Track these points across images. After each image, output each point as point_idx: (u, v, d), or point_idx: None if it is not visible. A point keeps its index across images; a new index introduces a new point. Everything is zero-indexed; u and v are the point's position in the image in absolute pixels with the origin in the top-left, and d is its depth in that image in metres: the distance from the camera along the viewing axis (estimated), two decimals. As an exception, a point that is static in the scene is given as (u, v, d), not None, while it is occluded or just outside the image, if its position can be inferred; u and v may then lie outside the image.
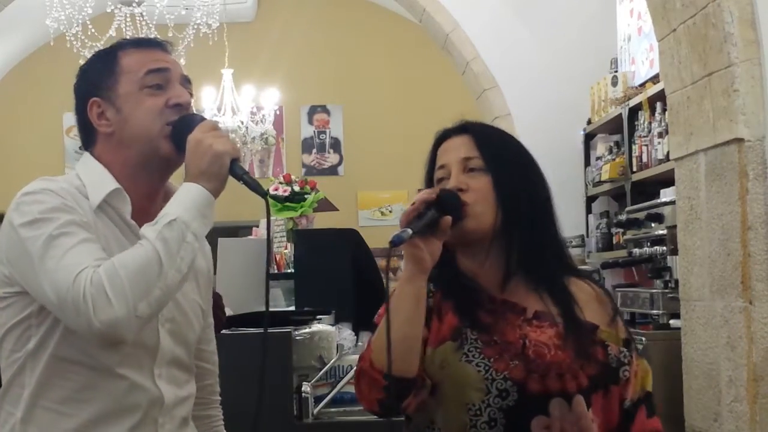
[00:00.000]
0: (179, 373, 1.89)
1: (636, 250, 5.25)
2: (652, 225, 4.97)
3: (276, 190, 6.29)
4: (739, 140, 3.38)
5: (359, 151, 10.82)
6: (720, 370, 3.54)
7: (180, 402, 1.88)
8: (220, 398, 2.12)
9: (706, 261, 3.65)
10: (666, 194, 4.81)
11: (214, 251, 2.74)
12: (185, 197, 1.75)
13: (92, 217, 1.80)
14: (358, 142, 10.83)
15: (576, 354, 1.80)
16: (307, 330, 3.53)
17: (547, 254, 1.89)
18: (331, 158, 11.03)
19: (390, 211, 10.71)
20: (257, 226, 6.88)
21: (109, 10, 8.17)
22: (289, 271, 5.48)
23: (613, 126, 6.21)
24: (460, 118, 2.02)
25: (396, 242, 1.75)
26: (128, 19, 8.22)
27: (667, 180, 4.49)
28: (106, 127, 1.87)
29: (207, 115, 8.16)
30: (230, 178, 1.81)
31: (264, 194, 1.81)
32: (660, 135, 5.20)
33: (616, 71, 6.25)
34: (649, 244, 5.09)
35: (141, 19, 8.37)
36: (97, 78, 1.90)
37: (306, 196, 6.41)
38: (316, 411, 3.30)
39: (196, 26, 8.32)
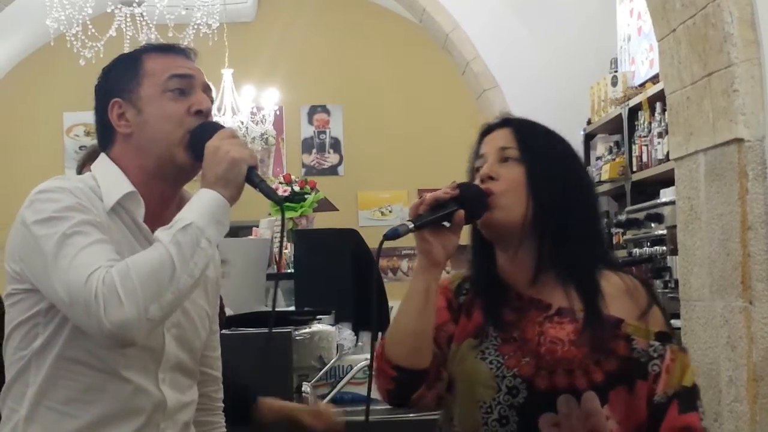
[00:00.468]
0: (183, 379, 1.89)
1: (636, 250, 5.25)
2: (652, 225, 4.98)
3: (276, 190, 6.29)
4: (738, 140, 3.38)
5: (359, 151, 10.82)
6: (720, 370, 3.54)
7: (182, 407, 1.89)
8: (222, 405, 2.11)
9: (705, 261, 3.65)
10: (666, 194, 4.81)
11: (214, 251, 2.73)
12: (201, 203, 1.75)
13: (106, 219, 1.79)
14: (358, 142, 10.83)
15: (592, 349, 1.77)
16: (307, 330, 3.53)
17: (579, 249, 1.85)
18: (331, 158, 11.04)
19: (390, 211, 10.71)
20: (257, 226, 6.88)
21: (109, 10, 8.17)
22: (289, 271, 5.48)
23: (612, 126, 6.21)
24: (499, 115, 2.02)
25: (390, 235, 1.75)
26: (128, 20, 8.22)
27: (667, 180, 4.49)
28: (125, 127, 1.87)
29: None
30: None
31: (280, 202, 1.83)
32: (660, 135, 5.20)
33: (616, 71, 6.25)
34: (649, 244, 5.10)
35: (141, 19, 8.37)
36: (119, 79, 1.91)
37: (306, 196, 6.42)
38: (316, 411, 3.29)
39: (196, 26, 8.33)
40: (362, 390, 3.52)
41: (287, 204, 6.31)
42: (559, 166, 1.89)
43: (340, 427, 2.87)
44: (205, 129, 1.83)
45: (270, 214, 6.69)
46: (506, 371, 1.79)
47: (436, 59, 8.94)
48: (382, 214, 10.73)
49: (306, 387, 3.28)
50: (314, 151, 11.02)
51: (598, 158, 6.41)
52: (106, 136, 1.91)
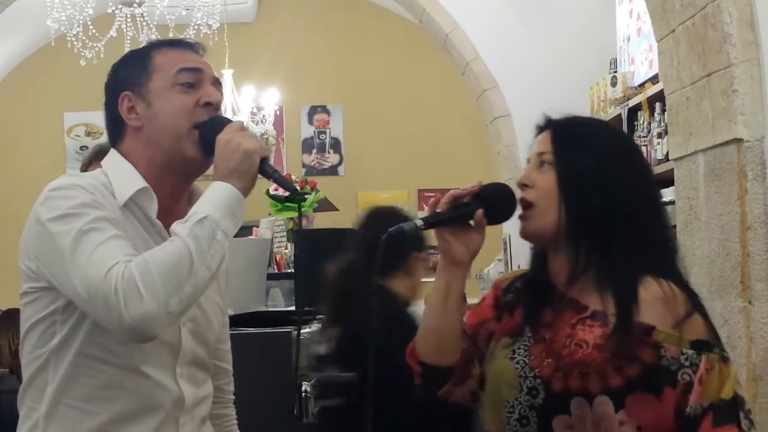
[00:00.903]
0: (199, 373, 1.90)
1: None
2: (655, 220, 4.97)
3: (276, 190, 6.30)
4: (738, 140, 3.38)
5: (359, 151, 10.82)
6: (719, 370, 3.55)
7: (199, 402, 1.89)
8: (233, 397, 2.12)
9: (705, 261, 3.65)
10: (665, 194, 4.81)
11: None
12: (215, 196, 1.75)
13: (119, 215, 1.80)
14: (358, 142, 10.84)
15: (615, 354, 1.73)
16: (307, 330, 3.54)
17: (618, 257, 1.80)
18: (331, 158, 11.04)
19: (390, 211, 10.72)
20: (257, 226, 6.89)
21: (109, 11, 8.18)
22: (289, 271, 5.49)
23: (612, 126, 6.21)
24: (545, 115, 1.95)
25: (394, 234, 1.75)
26: (129, 20, 8.23)
27: (667, 180, 4.49)
28: (135, 121, 1.88)
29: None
30: None
31: (294, 190, 1.84)
32: (659, 135, 5.21)
33: (616, 72, 6.25)
34: (648, 244, 5.09)
35: (141, 19, 8.37)
36: (129, 74, 1.91)
37: (306, 196, 6.42)
38: (316, 411, 3.30)
39: (196, 27, 8.33)
40: (362, 390, 3.53)
41: (287, 204, 6.31)
42: (597, 170, 1.82)
43: None
44: (214, 123, 1.83)
45: (270, 214, 6.70)
46: (528, 371, 1.79)
47: (436, 59, 8.95)
48: (382, 214, 10.74)
49: (306, 387, 3.29)
50: (314, 151, 11.03)
51: (597, 158, 6.41)
52: (116, 131, 1.92)
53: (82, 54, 8.46)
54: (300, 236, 5.28)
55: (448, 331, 1.82)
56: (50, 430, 1.82)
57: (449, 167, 10.37)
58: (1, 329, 7.49)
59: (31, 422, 1.85)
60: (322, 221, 6.71)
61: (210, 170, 1.85)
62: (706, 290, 3.65)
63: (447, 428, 2.86)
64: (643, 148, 5.53)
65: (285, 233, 6.26)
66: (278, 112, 10.43)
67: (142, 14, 8.31)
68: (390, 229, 1.75)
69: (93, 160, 3.35)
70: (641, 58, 5.96)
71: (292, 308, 4.66)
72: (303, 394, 3.29)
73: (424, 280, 3.15)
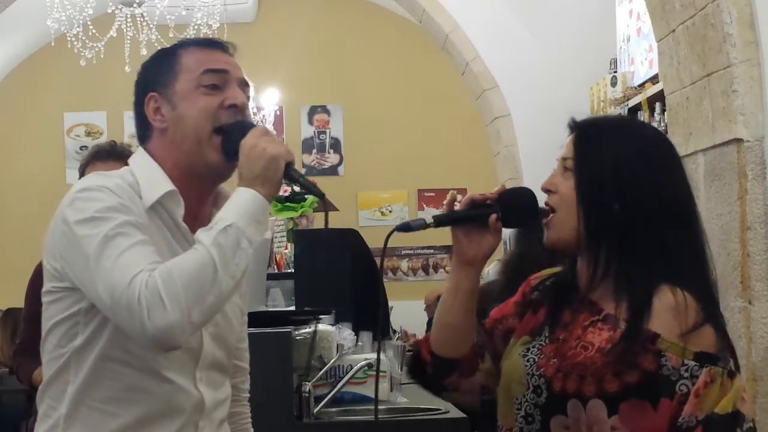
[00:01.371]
0: (217, 376, 1.88)
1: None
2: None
3: (285, 192, 6.29)
4: (738, 141, 3.38)
5: (359, 151, 10.82)
6: (719, 370, 3.55)
7: (218, 404, 1.88)
8: (248, 395, 2.11)
9: (705, 261, 3.65)
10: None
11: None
12: (240, 202, 1.73)
13: (145, 218, 1.78)
14: (358, 142, 10.84)
15: (616, 359, 1.72)
16: (307, 330, 3.54)
17: (635, 263, 1.77)
18: (331, 158, 11.04)
19: (390, 211, 10.71)
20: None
21: (109, 11, 8.18)
22: (289, 271, 5.48)
23: (612, 126, 6.20)
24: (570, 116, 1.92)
25: (401, 228, 1.78)
26: (129, 20, 8.23)
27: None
28: (160, 122, 1.86)
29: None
30: None
31: (322, 195, 1.81)
32: (659, 135, 5.20)
33: (616, 72, 6.25)
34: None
35: (141, 19, 8.37)
36: (156, 74, 1.90)
37: (306, 196, 6.42)
38: (316, 411, 3.30)
39: (196, 27, 8.33)
40: (362, 390, 3.53)
41: (287, 204, 6.31)
42: (615, 176, 1.78)
43: None
44: (237, 128, 1.81)
45: (270, 214, 6.69)
46: (535, 370, 1.79)
47: (436, 59, 8.95)
48: (382, 214, 10.74)
49: (306, 387, 3.28)
50: (314, 151, 11.03)
51: (597, 158, 6.41)
52: (144, 130, 1.90)
53: (82, 54, 8.46)
54: (300, 236, 5.28)
55: (456, 326, 1.87)
56: (71, 430, 1.81)
57: (449, 167, 10.37)
58: (1, 329, 7.49)
59: (51, 421, 1.83)
60: (321, 221, 6.71)
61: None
62: (706, 290, 3.65)
63: None
64: (643, 148, 5.52)
65: (285, 233, 6.26)
66: (278, 112, 10.43)
67: (142, 14, 8.31)
68: (397, 225, 1.78)
69: (92, 160, 3.34)
70: (641, 58, 5.96)
71: (292, 308, 4.66)
72: (303, 394, 3.28)
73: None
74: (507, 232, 2.06)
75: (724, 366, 1.74)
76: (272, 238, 5.45)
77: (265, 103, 9.67)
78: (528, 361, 1.81)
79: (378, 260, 4.77)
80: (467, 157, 10.10)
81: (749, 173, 3.37)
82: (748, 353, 3.36)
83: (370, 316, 4.48)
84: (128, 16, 8.20)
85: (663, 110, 4.89)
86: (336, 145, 11.06)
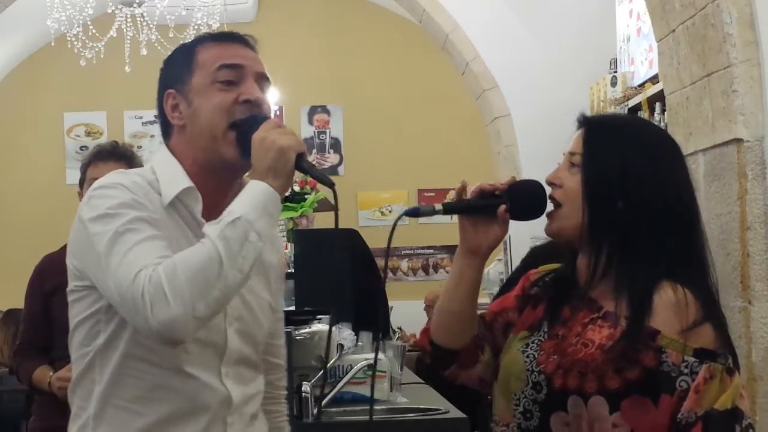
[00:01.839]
0: (246, 371, 1.87)
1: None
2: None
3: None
4: (738, 141, 3.38)
5: (359, 151, 10.82)
6: (719, 370, 3.54)
7: (248, 400, 1.87)
8: (286, 392, 2.10)
9: (705, 261, 3.65)
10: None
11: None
12: (251, 195, 1.73)
13: (162, 214, 1.79)
14: (358, 142, 10.84)
15: (617, 356, 1.73)
16: (307, 330, 3.54)
17: (636, 261, 1.78)
18: (331, 158, 11.04)
19: (390, 211, 10.72)
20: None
21: (109, 11, 8.19)
22: (289, 270, 5.48)
23: (612, 126, 6.20)
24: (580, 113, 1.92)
25: (410, 212, 1.78)
26: (129, 20, 8.24)
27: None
28: (178, 119, 1.86)
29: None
30: None
31: (332, 185, 1.79)
32: (659, 135, 5.20)
33: (616, 72, 6.25)
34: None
35: (141, 19, 8.38)
36: (175, 70, 1.90)
37: (306, 196, 6.42)
38: (316, 411, 3.30)
39: (196, 27, 8.33)
40: (362, 390, 3.53)
41: (287, 204, 6.32)
42: (623, 176, 1.79)
43: None
44: (250, 122, 1.80)
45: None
46: (535, 366, 1.80)
47: (436, 60, 8.95)
48: (382, 214, 10.74)
49: (306, 387, 3.28)
50: (314, 151, 11.03)
51: (597, 158, 6.40)
52: (165, 127, 1.91)
53: (82, 54, 8.46)
54: (300, 236, 5.28)
55: (457, 316, 1.87)
56: (99, 430, 1.81)
57: (449, 167, 10.37)
58: (2, 329, 7.49)
59: (81, 422, 1.84)
60: (322, 221, 6.71)
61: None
62: (706, 290, 3.65)
63: None
64: (643, 148, 5.52)
65: (285, 233, 6.26)
66: (278, 112, 10.43)
67: (142, 14, 8.32)
68: (406, 209, 1.79)
69: (93, 160, 3.34)
70: (641, 58, 5.96)
71: (292, 308, 4.66)
72: (303, 394, 3.28)
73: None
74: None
75: (723, 363, 1.75)
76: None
77: (270, 103, 9.66)
78: (527, 357, 1.82)
79: (378, 260, 4.77)
80: (467, 157, 10.09)
81: (749, 173, 3.37)
82: (748, 353, 3.36)
83: (370, 316, 4.48)
84: (128, 16, 8.21)
85: (663, 110, 4.89)
86: (336, 145, 11.06)
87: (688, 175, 1.88)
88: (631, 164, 1.81)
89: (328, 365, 3.52)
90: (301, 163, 1.77)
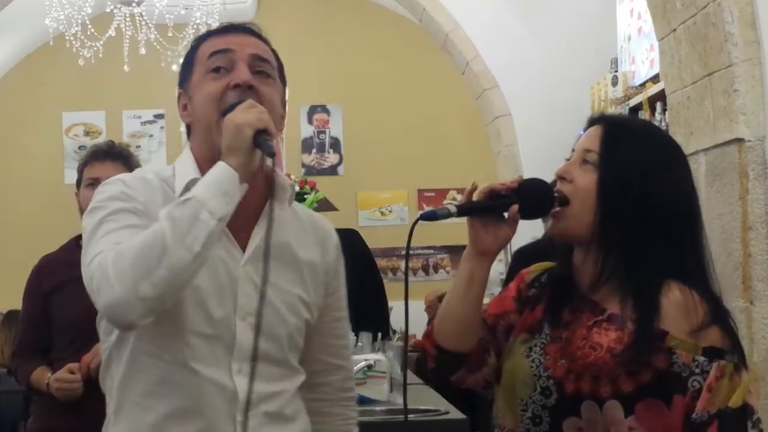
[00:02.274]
0: (268, 368, 1.82)
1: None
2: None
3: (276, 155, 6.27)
4: (739, 140, 3.37)
5: (359, 151, 10.81)
6: (720, 371, 3.54)
7: (269, 398, 1.82)
8: (352, 395, 2.03)
9: (706, 261, 3.64)
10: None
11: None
12: (209, 175, 1.72)
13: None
14: (358, 142, 10.83)
15: (629, 360, 1.72)
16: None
17: (644, 265, 1.78)
18: (331, 158, 11.03)
19: (390, 211, 10.70)
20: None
21: (108, 10, 8.17)
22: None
23: (613, 126, 6.19)
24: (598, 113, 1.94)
25: (426, 216, 1.77)
26: (128, 19, 8.23)
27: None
28: (187, 117, 1.87)
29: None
30: None
31: (272, 155, 1.74)
32: (660, 135, 5.19)
33: (617, 71, 6.24)
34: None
35: (140, 18, 8.37)
36: (182, 70, 1.91)
37: (306, 196, 6.41)
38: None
39: (195, 26, 8.32)
40: (362, 390, 3.52)
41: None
42: (637, 176, 1.80)
43: None
44: (232, 108, 1.78)
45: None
46: (542, 371, 1.78)
47: (436, 59, 8.94)
48: (382, 214, 10.72)
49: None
50: (314, 151, 11.02)
51: (598, 158, 6.40)
52: (187, 128, 1.92)
53: (81, 53, 8.45)
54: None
55: (467, 319, 1.84)
56: (117, 426, 1.83)
57: (449, 167, 10.36)
58: (3, 330, 7.49)
59: (107, 418, 1.87)
60: (321, 221, 6.71)
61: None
62: (707, 290, 3.64)
63: None
64: (644, 148, 5.52)
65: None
66: (278, 112, 10.41)
67: (141, 13, 8.31)
68: (422, 213, 1.77)
69: (90, 160, 3.33)
70: (642, 58, 5.95)
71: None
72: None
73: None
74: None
75: (732, 360, 1.76)
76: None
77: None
78: (533, 361, 1.80)
79: (378, 260, 4.74)
80: (467, 157, 10.08)
81: (750, 173, 3.36)
82: (749, 353, 3.35)
83: (370, 316, 4.47)
84: (127, 15, 8.20)
85: (664, 110, 4.88)
86: (336, 145, 11.05)
87: (692, 177, 1.90)
88: (648, 167, 1.81)
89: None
90: (257, 139, 1.72)
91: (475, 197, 1.81)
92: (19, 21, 9.28)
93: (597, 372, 1.74)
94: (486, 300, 1.91)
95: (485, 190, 1.81)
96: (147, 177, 1.83)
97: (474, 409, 3.71)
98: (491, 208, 1.81)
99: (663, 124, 5.06)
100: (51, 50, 9.05)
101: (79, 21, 8.22)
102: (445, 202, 10.54)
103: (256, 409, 1.80)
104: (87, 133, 10.68)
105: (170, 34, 8.35)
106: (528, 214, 1.83)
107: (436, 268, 10.66)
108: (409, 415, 3.44)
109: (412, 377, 4.35)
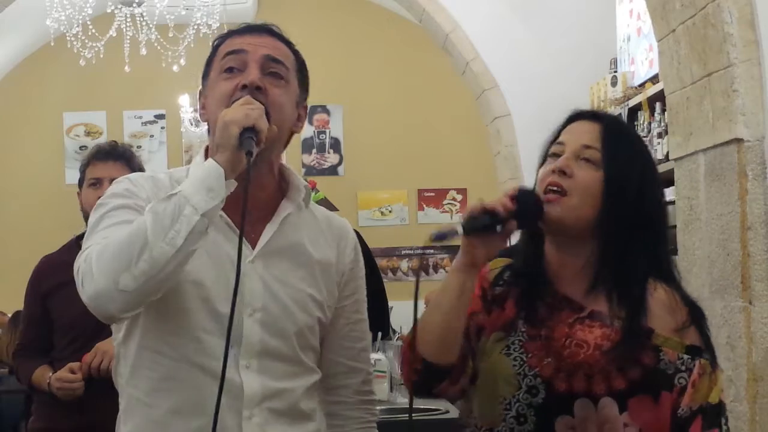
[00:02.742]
0: (275, 365, 1.82)
1: (636, 250, 5.23)
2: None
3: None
4: (738, 140, 3.38)
5: (359, 151, 10.81)
6: (719, 370, 3.54)
7: (275, 395, 1.82)
8: (371, 398, 2.03)
9: (705, 261, 3.65)
10: (665, 194, 4.81)
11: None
12: (196, 171, 1.73)
13: None
14: (358, 142, 10.83)
15: (617, 356, 1.75)
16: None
17: (637, 261, 1.82)
18: (331, 158, 11.03)
19: (390, 211, 10.71)
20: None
21: (109, 11, 8.17)
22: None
23: (612, 126, 6.19)
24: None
25: (438, 237, 1.76)
26: (128, 20, 8.23)
27: (667, 180, 4.49)
28: (204, 116, 1.90)
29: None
30: None
31: (250, 154, 1.73)
32: (659, 135, 5.20)
33: (616, 71, 6.25)
34: (648, 244, 5.08)
35: (141, 19, 8.37)
36: (204, 69, 1.92)
37: (306, 196, 6.41)
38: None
39: (196, 27, 8.32)
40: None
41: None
42: (639, 177, 1.84)
43: None
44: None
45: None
46: (528, 370, 1.78)
47: (436, 59, 8.94)
48: (382, 214, 10.73)
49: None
50: (314, 151, 11.02)
51: (598, 158, 6.40)
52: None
53: (82, 54, 8.45)
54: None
55: (456, 331, 1.81)
56: (126, 425, 1.83)
57: (449, 167, 10.36)
58: (8, 331, 7.51)
59: (119, 417, 1.88)
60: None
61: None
62: (706, 290, 3.65)
63: None
64: (643, 148, 5.52)
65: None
66: (278, 112, 10.41)
67: (141, 14, 8.30)
68: (434, 234, 1.76)
69: (92, 160, 3.34)
70: (641, 58, 5.96)
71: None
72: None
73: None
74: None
75: (709, 358, 1.82)
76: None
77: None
78: (515, 360, 1.80)
79: (378, 260, 4.75)
80: (467, 157, 10.08)
81: (750, 173, 3.36)
82: (748, 353, 3.35)
83: (369, 316, 4.46)
84: (128, 15, 8.19)
85: (663, 110, 4.89)
86: (336, 145, 11.05)
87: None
88: (646, 167, 1.87)
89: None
90: (241, 136, 1.71)
91: (474, 214, 1.79)
92: (20, 22, 9.28)
93: (589, 370, 1.75)
94: None
95: (479, 209, 1.79)
96: (158, 176, 1.85)
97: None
98: (493, 224, 1.80)
99: (662, 124, 5.06)
100: (52, 51, 9.05)
101: (80, 21, 8.23)
102: (444, 202, 10.56)
103: (261, 406, 1.80)
104: (88, 133, 10.68)
105: (171, 35, 8.34)
106: (523, 225, 1.84)
107: (436, 268, 10.66)
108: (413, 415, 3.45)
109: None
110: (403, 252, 10.51)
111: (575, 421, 1.75)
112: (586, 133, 1.86)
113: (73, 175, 3.59)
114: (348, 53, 10.76)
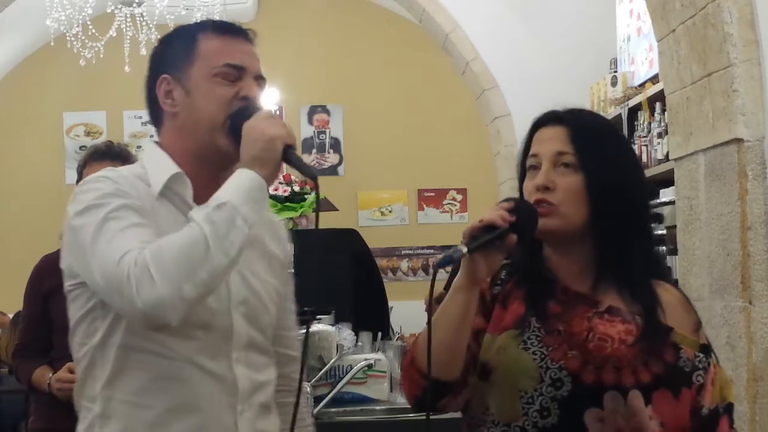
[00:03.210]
0: (257, 357, 1.86)
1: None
2: (652, 225, 4.96)
3: (276, 190, 6.29)
4: (738, 140, 3.38)
5: (359, 151, 10.81)
6: (719, 370, 3.54)
7: (259, 387, 1.85)
8: (304, 384, 2.05)
9: (705, 261, 3.65)
10: (665, 194, 4.81)
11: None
12: (237, 182, 1.73)
13: (152, 203, 1.79)
14: (358, 142, 10.83)
15: (642, 350, 1.77)
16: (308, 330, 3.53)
17: (635, 254, 1.84)
18: (331, 158, 11.04)
19: (390, 211, 10.71)
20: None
21: (109, 11, 8.17)
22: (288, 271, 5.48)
23: (612, 126, 6.19)
24: (554, 108, 1.93)
25: (444, 263, 1.73)
26: (128, 20, 8.23)
27: (667, 180, 4.49)
28: (170, 106, 1.86)
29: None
30: None
31: (314, 177, 1.78)
32: (659, 135, 5.20)
33: (616, 71, 6.25)
34: (648, 244, 5.08)
35: (141, 19, 8.37)
36: (172, 56, 1.89)
37: (306, 196, 6.41)
38: (316, 411, 3.30)
39: (196, 26, 8.32)
40: (362, 390, 3.53)
41: (287, 204, 6.31)
42: (617, 169, 1.85)
43: None
44: (243, 112, 1.81)
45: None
46: (550, 363, 1.78)
47: (436, 59, 8.94)
48: (382, 214, 10.73)
49: (306, 387, 3.28)
50: (314, 151, 11.02)
51: (597, 158, 6.40)
52: (154, 113, 1.91)
53: (82, 54, 8.45)
54: (300, 236, 5.28)
55: (460, 347, 1.80)
56: (107, 428, 1.80)
57: (449, 167, 10.36)
58: (9, 331, 7.51)
59: (87, 422, 1.83)
60: (322, 221, 6.70)
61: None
62: (706, 290, 3.65)
63: None
64: (643, 148, 5.53)
65: (285, 233, 6.25)
66: (278, 112, 10.42)
67: (141, 14, 8.30)
68: (440, 260, 1.75)
69: (88, 161, 3.34)
70: (641, 58, 5.96)
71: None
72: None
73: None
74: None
75: (715, 358, 1.88)
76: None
77: (265, 103, 9.66)
78: (534, 354, 1.80)
79: (378, 260, 4.76)
80: (467, 157, 10.08)
81: (750, 173, 3.36)
82: (748, 353, 3.35)
83: (370, 316, 4.47)
84: (128, 15, 8.19)
85: (663, 110, 4.89)
86: (336, 145, 11.05)
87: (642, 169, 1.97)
88: (619, 156, 1.88)
89: (328, 366, 3.52)
90: (287, 154, 1.76)
91: (474, 233, 1.77)
92: (20, 22, 9.29)
93: (618, 363, 1.77)
94: None
95: (478, 227, 1.77)
96: (125, 174, 1.82)
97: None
98: (494, 240, 1.79)
99: (662, 124, 5.06)
100: (52, 51, 9.05)
101: (80, 21, 8.23)
102: (444, 202, 10.55)
103: (251, 400, 1.83)
104: (88, 134, 10.68)
105: (171, 35, 8.34)
106: (522, 238, 1.83)
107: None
108: (409, 415, 3.45)
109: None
110: (403, 252, 10.50)
111: (604, 413, 1.77)
112: (557, 139, 1.86)
113: (73, 175, 3.59)
114: (348, 53, 10.76)
